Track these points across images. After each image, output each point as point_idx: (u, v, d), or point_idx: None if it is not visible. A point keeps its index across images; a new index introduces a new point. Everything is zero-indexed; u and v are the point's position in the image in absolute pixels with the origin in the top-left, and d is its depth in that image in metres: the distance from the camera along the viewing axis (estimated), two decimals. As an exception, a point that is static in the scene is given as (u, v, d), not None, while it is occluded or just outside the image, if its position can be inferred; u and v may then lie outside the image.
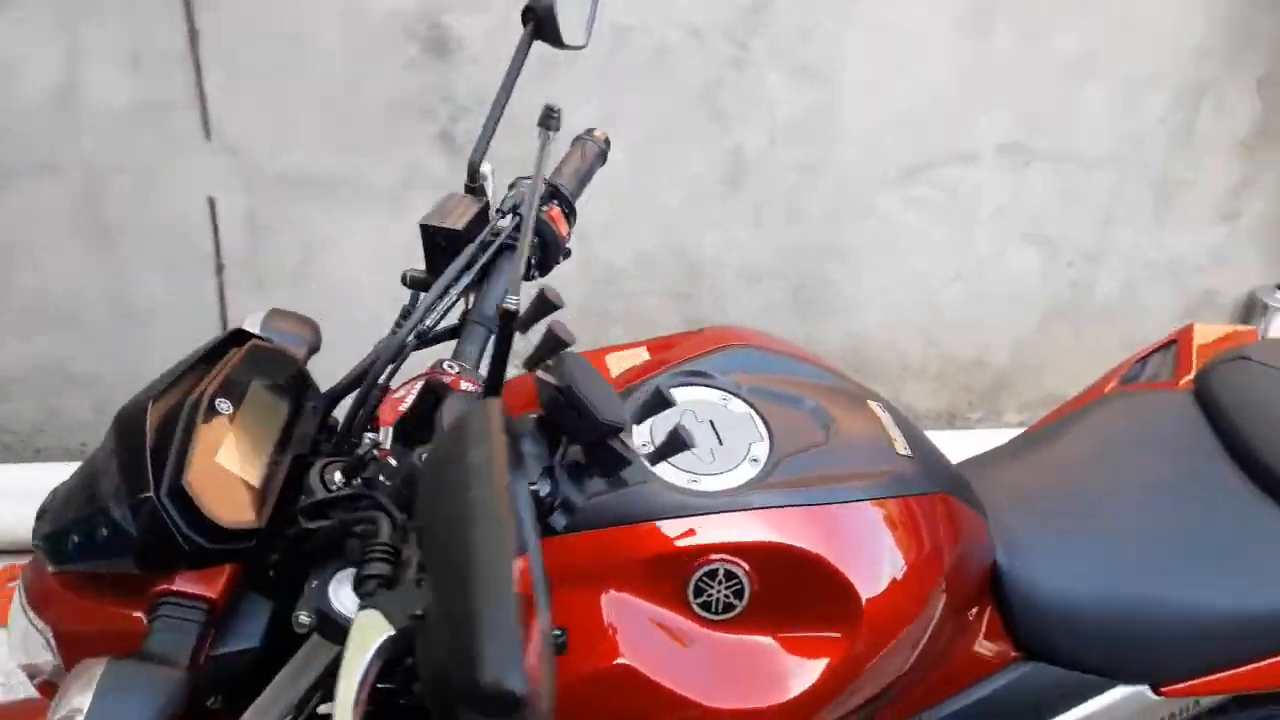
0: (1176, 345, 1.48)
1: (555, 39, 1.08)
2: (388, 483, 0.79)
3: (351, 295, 2.27)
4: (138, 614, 0.79)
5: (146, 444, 0.76)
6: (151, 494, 0.74)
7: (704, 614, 0.89)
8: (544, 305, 0.81)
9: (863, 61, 2.28)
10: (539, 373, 0.80)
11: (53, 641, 0.85)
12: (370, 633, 0.65)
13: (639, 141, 2.26)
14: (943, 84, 2.33)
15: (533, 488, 0.80)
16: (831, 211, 2.43)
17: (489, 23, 2.13)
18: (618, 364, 1.11)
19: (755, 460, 0.95)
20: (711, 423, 0.98)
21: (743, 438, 0.97)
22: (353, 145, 2.20)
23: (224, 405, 0.83)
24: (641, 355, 1.12)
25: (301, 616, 0.75)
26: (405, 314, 1.01)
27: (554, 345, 0.79)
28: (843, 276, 2.51)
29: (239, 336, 0.93)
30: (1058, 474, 1.28)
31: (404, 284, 1.04)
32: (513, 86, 1.07)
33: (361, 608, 0.67)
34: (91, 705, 0.68)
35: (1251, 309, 2.74)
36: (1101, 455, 1.29)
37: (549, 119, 0.81)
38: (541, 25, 1.06)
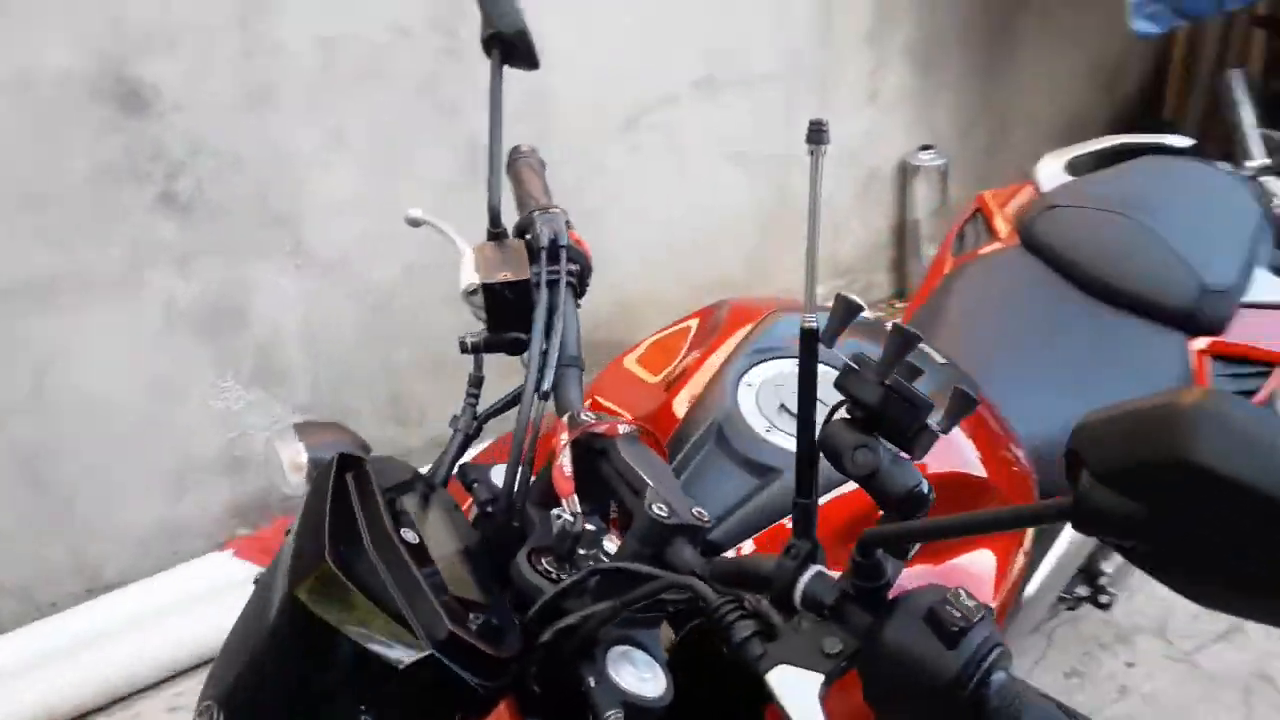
0: (980, 213, 1.72)
1: (528, 61, 1.04)
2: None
3: (105, 410, 1.99)
4: None
5: (394, 597, 0.66)
6: (431, 650, 0.64)
7: None
8: (848, 311, 0.69)
9: (562, 31, 2.34)
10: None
11: None
12: (803, 687, 0.62)
13: (378, 149, 2.17)
14: (634, 38, 2.46)
15: None
16: (570, 178, 2.48)
17: (183, 65, 1.93)
18: (647, 365, 1.11)
19: None
20: None
21: None
22: (63, 234, 1.90)
23: (410, 535, 0.72)
24: (664, 353, 1.12)
25: (612, 716, 0.67)
26: (476, 383, 0.94)
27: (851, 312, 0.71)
28: (593, 237, 2.58)
29: (344, 462, 0.77)
30: (955, 345, 1.39)
31: (464, 351, 0.95)
32: (501, 120, 1.02)
33: (764, 670, 0.64)
34: None
35: (905, 173, 3.19)
36: (980, 318, 1.49)
37: (818, 133, 0.70)
38: (511, 50, 1.02)
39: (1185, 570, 0.49)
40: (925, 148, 3.17)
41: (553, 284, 0.94)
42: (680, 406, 1.04)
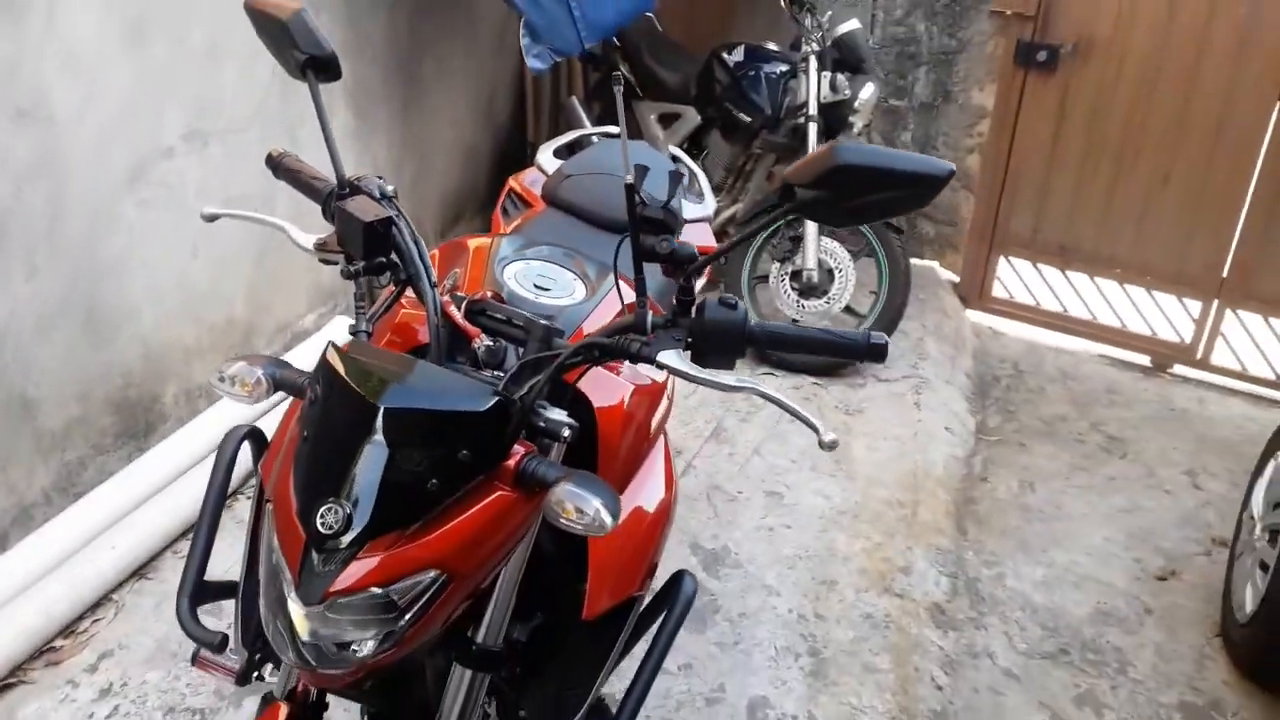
0: (512, 192, 2.28)
1: (333, 75, 1.34)
2: None
3: None
4: None
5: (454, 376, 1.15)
6: (497, 396, 1.09)
7: None
8: None
9: (65, 92, 2.34)
10: None
11: None
12: (677, 356, 1.18)
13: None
14: (131, 95, 2.52)
15: None
16: (88, 236, 2.47)
17: None
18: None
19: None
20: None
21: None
22: None
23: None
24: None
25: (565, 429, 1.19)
26: (361, 298, 1.35)
27: None
28: (114, 292, 2.59)
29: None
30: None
31: (346, 277, 1.33)
32: (328, 121, 1.33)
33: (654, 355, 1.18)
34: None
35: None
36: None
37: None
38: (324, 67, 1.32)
39: (848, 217, 1.10)
40: (378, 178, 3.60)
41: (401, 217, 1.33)
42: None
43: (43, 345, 2.39)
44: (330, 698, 1.42)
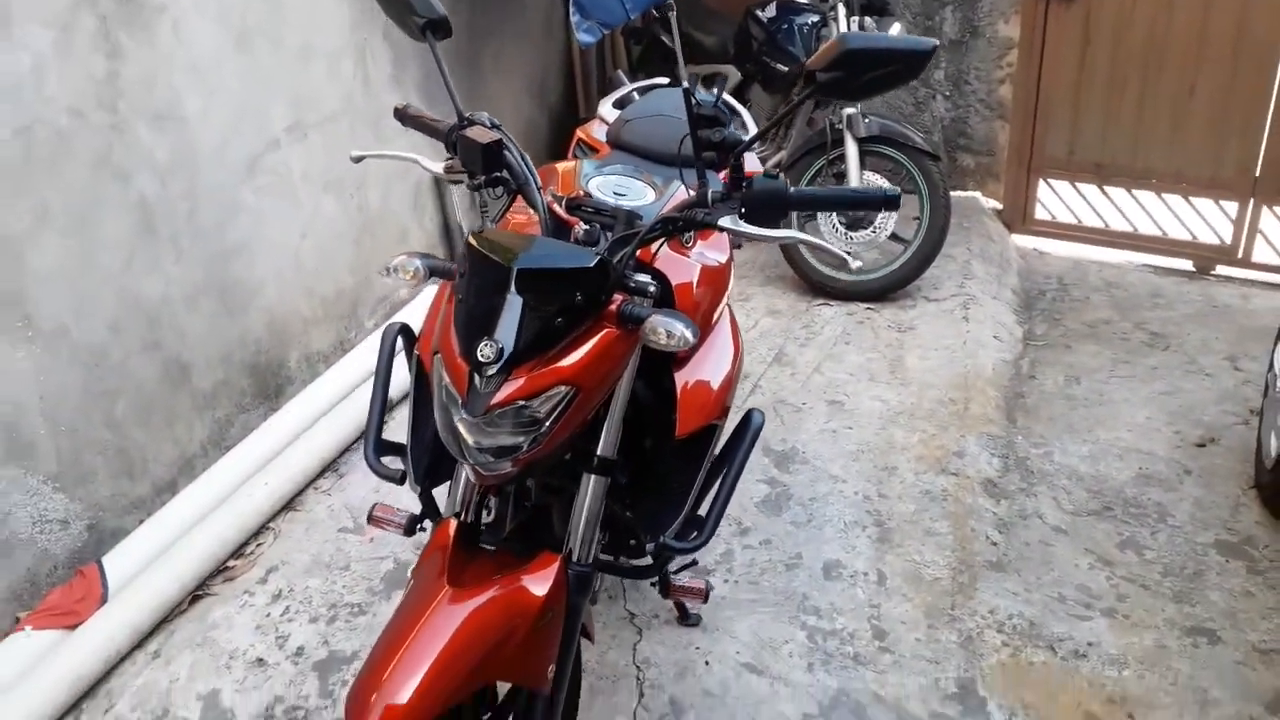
0: (580, 140, 2.61)
1: (447, 32, 1.68)
2: None
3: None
4: None
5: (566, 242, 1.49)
6: (600, 255, 1.42)
7: None
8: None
9: (191, 95, 2.73)
10: None
11: None
12: (734, 219, 1.49)
13: (72, 221, 2.39)
14: (241, 94, 2.91)
15: None
16: (219, 222, 2.86)
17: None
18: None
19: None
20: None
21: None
22: None
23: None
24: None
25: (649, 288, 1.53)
26: (483, 203, 1.64)
27: None
28: (244, 271, 2.98)
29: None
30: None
31: (472, 189, 1.67)
32: (446, 72, 1.65)
33: (716, 220, 1.49)
34: None
35: (439, 183, 3.97)
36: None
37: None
38: (438, 27, 1.66)
39: (859, 90, 1.41)
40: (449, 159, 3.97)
41: (510, 140, 1.67)
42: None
43: (192, 317, 2.79)
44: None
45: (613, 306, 1.43)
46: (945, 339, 3.55)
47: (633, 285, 1.47)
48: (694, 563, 2.24)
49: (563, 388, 1.39)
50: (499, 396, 1.36)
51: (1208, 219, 4.43)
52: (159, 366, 2.69)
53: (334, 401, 3.18)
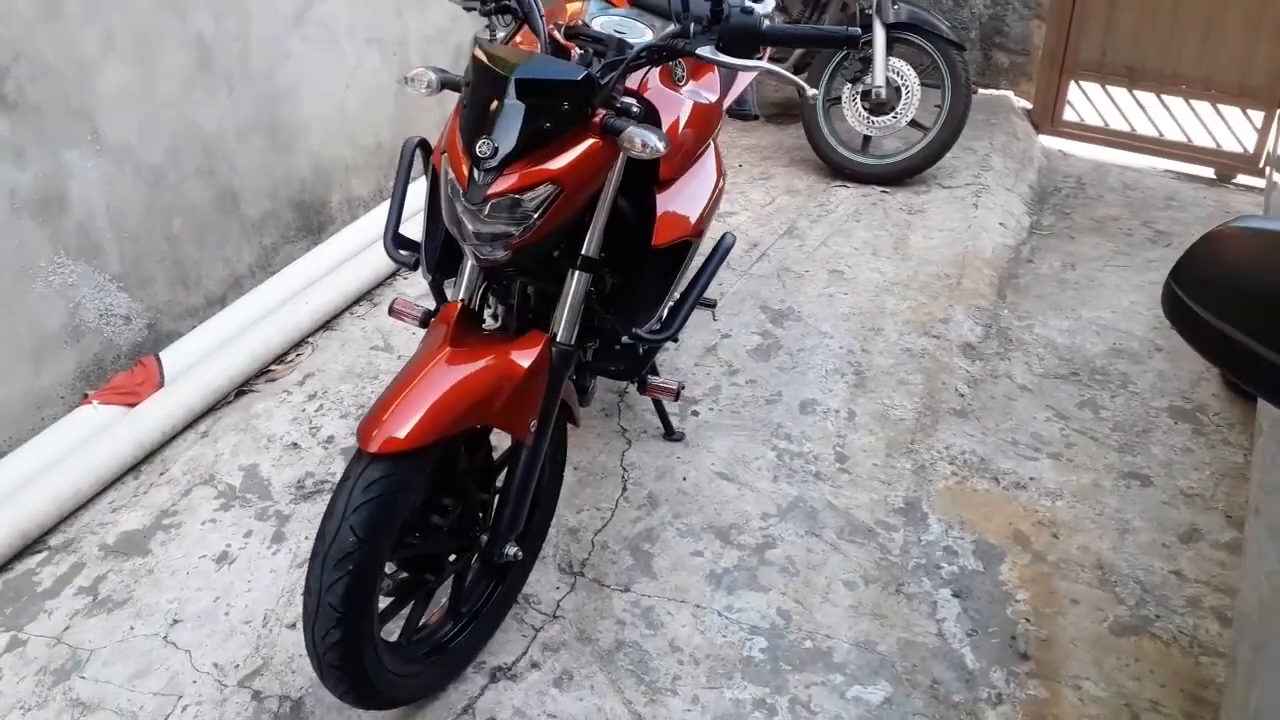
0: None
1: None
2: None
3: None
4: None
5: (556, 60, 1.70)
6: (587, 72, 1.64)
7: None
8: None
9: (247, -60, 2.94)
10: None
11: None
12: (710, 49, 1.70)
13: (133, 47, 2.64)
14: (296, -56, 3.11)
15: None
16: (269, 65, 3.09)
17: (-18, -19, 2.27)
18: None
19: None
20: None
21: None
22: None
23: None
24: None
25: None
26: (490, 14, 1.89)
27: None
28: (290, 113, 3.22)
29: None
30: None
31: (484, 14, 1.86)
32: None
33: (697, 48, 1.71)
34: None
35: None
36: None
37: None
38: None
39: None
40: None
41: None
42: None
43: (243, 150, 3.04)
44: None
45: (596, 119, 1.65)
46: (951, 222, 3.71)
47: (618, 105, 1.68)
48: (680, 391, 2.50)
49: (549, 186, 1.61)
50: (495, 189, 1.59)
51: (1233, 127, 4.49)
52: (213, 192, 2.96)
53: (372, 240, 3.44)
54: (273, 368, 2.89)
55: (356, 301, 3.21)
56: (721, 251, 2.01)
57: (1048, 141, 4.83)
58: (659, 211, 1.90)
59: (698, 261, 2.05)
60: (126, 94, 2.64)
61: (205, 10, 2.84)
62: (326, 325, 3.09)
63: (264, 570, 2.19)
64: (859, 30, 1.69)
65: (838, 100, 4.11)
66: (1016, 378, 2.86)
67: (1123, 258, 3.63)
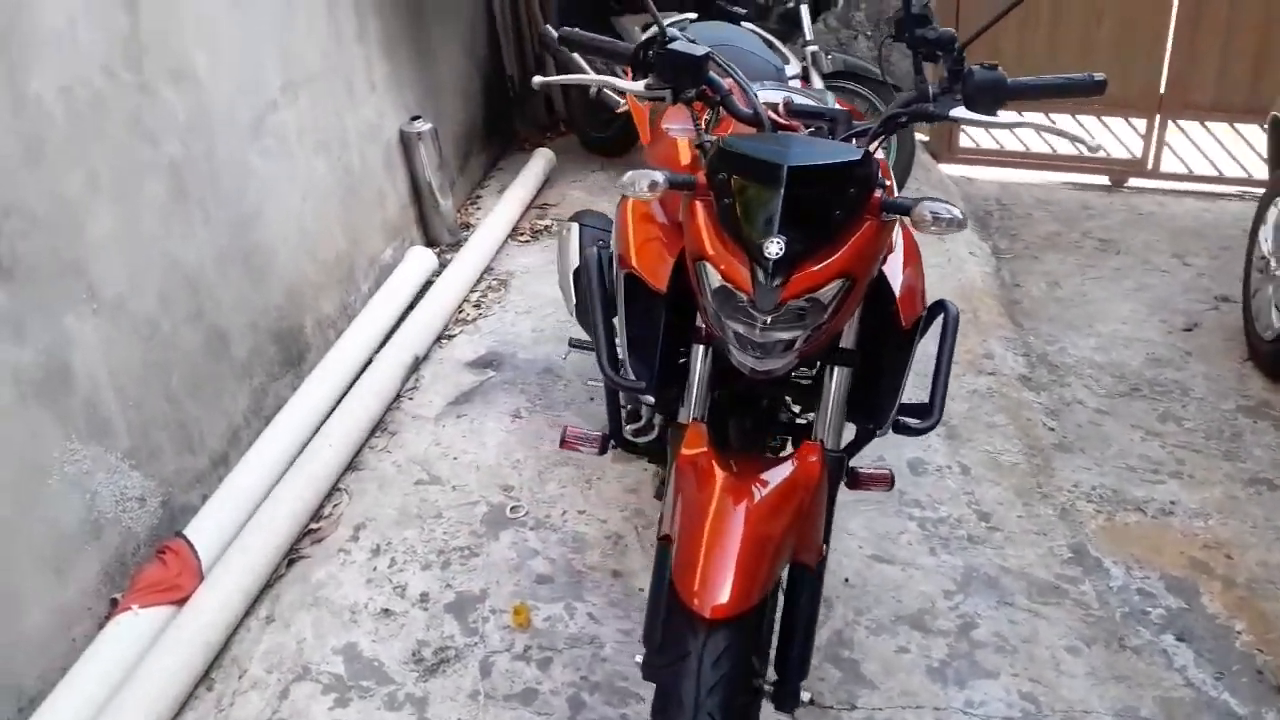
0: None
1: None
2: None
3: None
4: None
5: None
6: None
7: None
8: None
9: (200, 54, 2.57)
10: None
11: None
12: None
13: (115, 185, 2.24)
14: (240, 52, 2.76)
15: None
16: (236, 186, 2.72)
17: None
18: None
19: None
20: None
21: None
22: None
23: None
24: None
25: None
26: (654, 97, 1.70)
27: None
28: (260, 236, 2.84)
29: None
30: None
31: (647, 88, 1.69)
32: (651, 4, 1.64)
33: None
34: None
35: (406, 141, 3.86)
36: None
37: None
38: None
39: None
40: (415, 118, 3.88)
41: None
42: None
43: (224, 285, 2.64)
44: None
45: (876, 198, 1.47)
46: (931, 257, 3.70)
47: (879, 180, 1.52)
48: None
49: (843, 279, 1.43)
50: (788, 291, 1.39)
51: (1119, 136, 4.80)
52: (203, 336, 2.54)
53: (355, 366, 3.08)
54: (314, 525, 2.50)
55: (371, 433, 2.84)
56: (953, 320, 1.84)
57: (948, 170, 5.00)
58: (897, 289, 1.72)
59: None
60: (115, 237, 2.21)
61: (172, 134, 2.45)
62: (351, 465, 2.71)
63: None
64: (1103, 76, 1.60)
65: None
66: (1088, 402, 2.87)
67: (1091, 270, 3.76)
